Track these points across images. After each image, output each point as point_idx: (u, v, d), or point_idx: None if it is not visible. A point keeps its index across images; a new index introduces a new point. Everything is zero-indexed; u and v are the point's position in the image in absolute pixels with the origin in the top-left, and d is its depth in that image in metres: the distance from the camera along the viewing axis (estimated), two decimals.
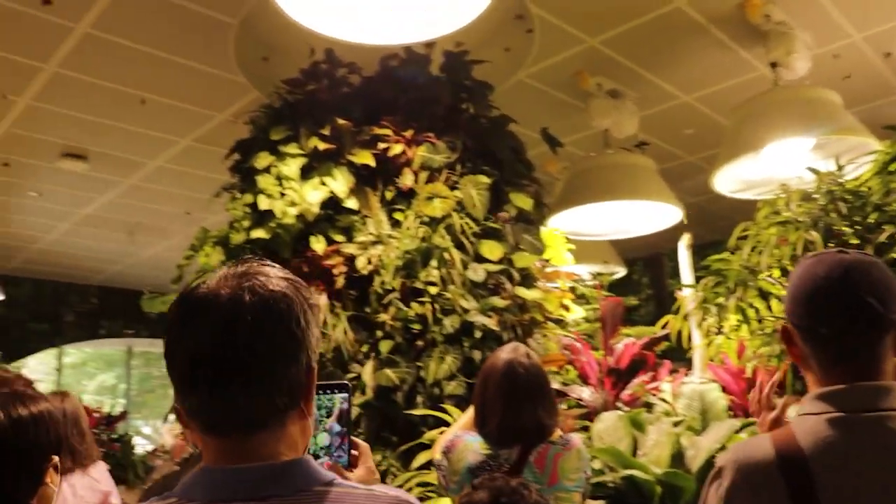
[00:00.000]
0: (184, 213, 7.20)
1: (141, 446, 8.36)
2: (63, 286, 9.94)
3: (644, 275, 9.49)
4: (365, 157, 3.92)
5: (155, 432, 11.70)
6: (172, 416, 4.27)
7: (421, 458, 3.25)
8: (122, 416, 8.67)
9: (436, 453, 2.42)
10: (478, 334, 3.72)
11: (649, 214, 5.07)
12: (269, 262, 1.08)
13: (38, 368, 13.28)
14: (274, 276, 1.05)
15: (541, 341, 4.07)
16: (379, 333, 3.80)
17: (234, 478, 0.98)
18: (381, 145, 3.94)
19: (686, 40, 4.71)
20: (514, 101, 5.04)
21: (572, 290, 4.57)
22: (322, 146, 3.86)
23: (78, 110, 5.27)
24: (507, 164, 4.22)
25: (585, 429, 3.32)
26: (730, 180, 4.54)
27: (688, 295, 4.39)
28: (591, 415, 3.36)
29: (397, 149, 3.94)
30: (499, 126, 4.29)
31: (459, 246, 3.93)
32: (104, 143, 5.81)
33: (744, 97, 4.88)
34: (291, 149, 3.95)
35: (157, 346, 12.21)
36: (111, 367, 12.75)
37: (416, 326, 3.78)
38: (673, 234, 5.30)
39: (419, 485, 3.17)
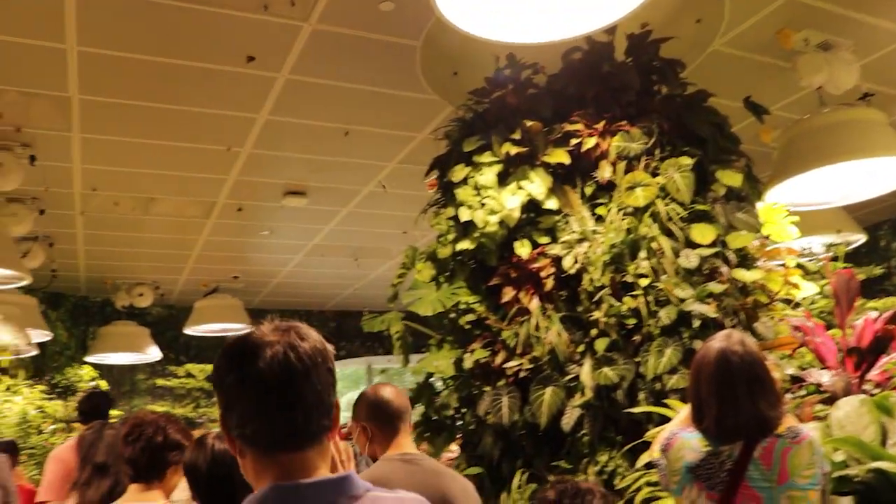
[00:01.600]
0: (400, 232, 7.49)
1: None
2: (303, 314, 10.71)
3: (893, 239, 8.61)
4: (559, 156, 3.87)
5: None
6: None
7: (645, 458, 3.14)
8: None
9: (653, 452, 2.32)
10: (696, 323, 3.54)
11: (883, 172, 4.57)
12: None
13: None
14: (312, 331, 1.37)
15: (768, 324, 3.80)
16: (593, 332, 3.73)
17: (308, 490, 1.26)
18: (574, 141, 3.87)
19: None
20: (712, 73, 4.77)
21: (800, 266, 4.21)
22: (515, 150, 3.86)
23: (292, 151, 5.66)
24: (711, 141, 3.99)
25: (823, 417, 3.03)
26: None
27: None
28: (832, 400, 3.07)
29: (590, 142, 3.85)
30: (696, 103, 4.07)
31: (668, 233, 3.77)
32: (319, 178, 6.19)
33: None
34: (486, 157, 3.98)
35: (393, 362, 12.82)
36: (357, 385, 13.54)
37: (631, 321, 3.67)
38: None
39: (648, 484, 3.06)
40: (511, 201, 3.84)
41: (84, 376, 9.00)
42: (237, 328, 8.92)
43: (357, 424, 2.87)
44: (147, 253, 7.81)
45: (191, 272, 8.64)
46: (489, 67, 4.56)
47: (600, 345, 3.66)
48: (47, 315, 8.16)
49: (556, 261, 3.87)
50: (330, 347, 1.37)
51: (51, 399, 7.99)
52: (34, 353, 6.81)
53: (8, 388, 7.02)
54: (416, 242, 7.84)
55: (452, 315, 4.06)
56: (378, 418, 2.89)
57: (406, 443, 2.90)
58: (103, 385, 9.05)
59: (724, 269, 3.71)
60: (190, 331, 9.11)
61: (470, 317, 4.02)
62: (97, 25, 4.00)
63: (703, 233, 3.76)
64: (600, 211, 3.90)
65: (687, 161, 3.81)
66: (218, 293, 8.92)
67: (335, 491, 1.26)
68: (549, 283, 3.86)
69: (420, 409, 4.35)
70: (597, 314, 3.71)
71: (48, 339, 7.62)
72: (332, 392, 1.34)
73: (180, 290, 9.34)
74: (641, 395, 3.54)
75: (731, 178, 3.91)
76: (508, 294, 3.91)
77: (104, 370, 9.40)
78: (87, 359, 9.12)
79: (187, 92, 4.73)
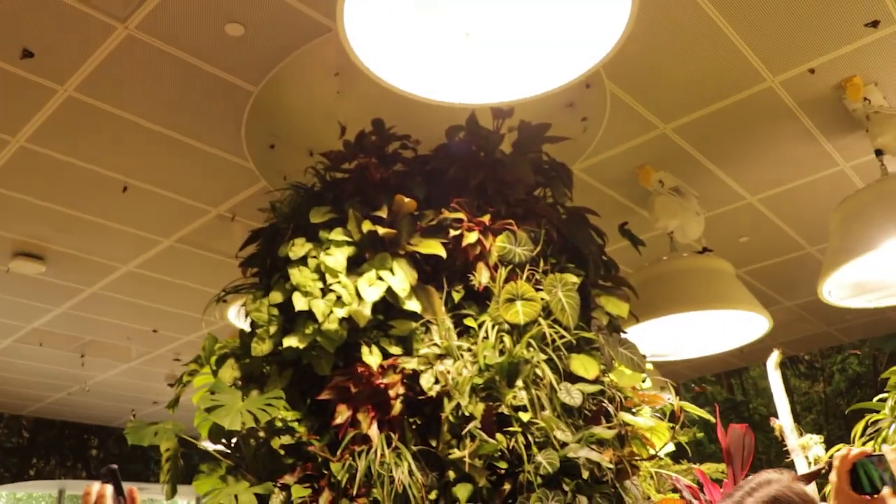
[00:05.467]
0: (150, 330, 6.17)
1: None
2: None
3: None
4: (433, 247, 3.10)
5: None
6: None
7: None
8: None
9: None
10: (585, 474, 2.83)
11: (731, 326, 4.33)
12: None
13: None
14: None
15: (638, 484, 3.19)
16: (451, 474, 2.88)
17: None
18: (453, 233, 3.14)
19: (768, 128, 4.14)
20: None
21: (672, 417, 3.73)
22: (382, 231, 3.04)
23: (42, 196, 4.36)
24: (592, 262, 3.46)
25: None
26: (839, 286, 3.86)
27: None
28: None
29: (471, 237, 3.14)
30: (579, 217, 3.55)
31: (548, 361, 3.10)
32: (67, 241, 4.86)
33: (816, 195, 4.35)
34: (336, 235, 3.11)
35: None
36: None
37: (502, 465, 2.88)
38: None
39: None
40: (369, 293, 2.98)
41: None
42: None
43: None
44: None
45: None
46: (317, 143, 3.80)
47: (461, 492, 2.82)
48: None
49: (411, 378, 3.03)
50: None
51: None
52: None
53: None
54: (168, 346, 6.58)
55: (261, 434, 3.02)
56: None
57: None
58: None
59: (611, 409, 3.09)
60: None
61: (286, 439, 3.00)
62: None
63: (587, 365, 3.13)
64: (468, 323, 3.15)
65: (573, 279, 3.22)
66: None
67: None
68: (398, 407, 2.99)
69: None
70: (459, 452, 2.88)
71: None
72: None
73: None
74: None
75: (615, 306, 3.38)
76: (343, 414, 2.97)
77: None
78: None
79: None
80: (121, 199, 4.37)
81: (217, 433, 3.11)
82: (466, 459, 2.85)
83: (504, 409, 2.94)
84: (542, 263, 3.25)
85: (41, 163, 4.03)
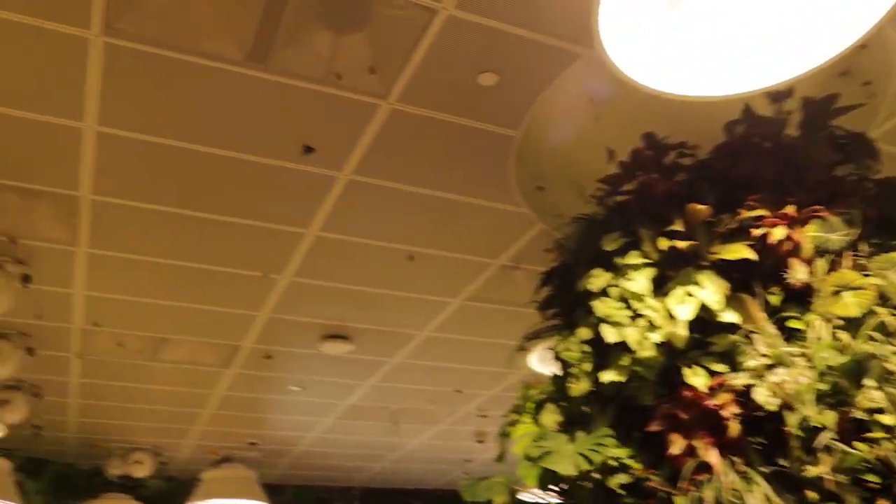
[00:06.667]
0: (452, 391, 6.36)
1: None
2: (325, 490, 9.30)
3: None
4: (738, 251, 2.88)
5: None
6: None
7: None
8: None
9: None
10: None
11: None
12: None
13: None
14: None
15: None
16: (812, 495, 2.60)
17: None
18: (756, 232, 2.91)
19: None
20: None
21: None
22: (682, 244, 2.88)
23: (341, 280, 4.67)
24: None
25: None
26: None
27: None
28: None
29: (778, 233, 2.88)
30: (893, 189, 3.15)
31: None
32: (367, 318, 5.17)
33: None
34: (633, 258, 3.00)
35: None
36: None
37: (872, 478, 2.55)
38: None
39: None
40: (681, 311, 2.82)
41: None
42: None
43: None
44: (150, 410, 6.59)
45: (201, 436, 7.36)
46: (583, 174, 3.71)
47: None
48: (24, 486, 6.84)
49: (742, 395, 2.80)
50: None
51: None
52: None
53: None
54: (471, 404, 6.76)
55: (596, 476, 2.93)
56: None
57: None
58: None
59: None
60: None
61: (622, 477, 2.89)
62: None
63: None
64: (794, 325, 2.87)
65: None
66: (229, 463, 7.61)
67: None
68: (734, 427, 2.77)
69: None
70: (816, 469, 2.60)
71: None
72: None
73: (186, 457, 8.00)
74: None
75: None
76: (677, 443, 2.81)
77: None
78: None
79: (228, 193, 3.81)
80: (407, 268, 4.56)
81: (547, 480, 3.07)
82: (827, 476, 2.57)
83: (858, 414, 2.62)
84: (863, 246, 2.92)
85: (335, 248, 4.32)
